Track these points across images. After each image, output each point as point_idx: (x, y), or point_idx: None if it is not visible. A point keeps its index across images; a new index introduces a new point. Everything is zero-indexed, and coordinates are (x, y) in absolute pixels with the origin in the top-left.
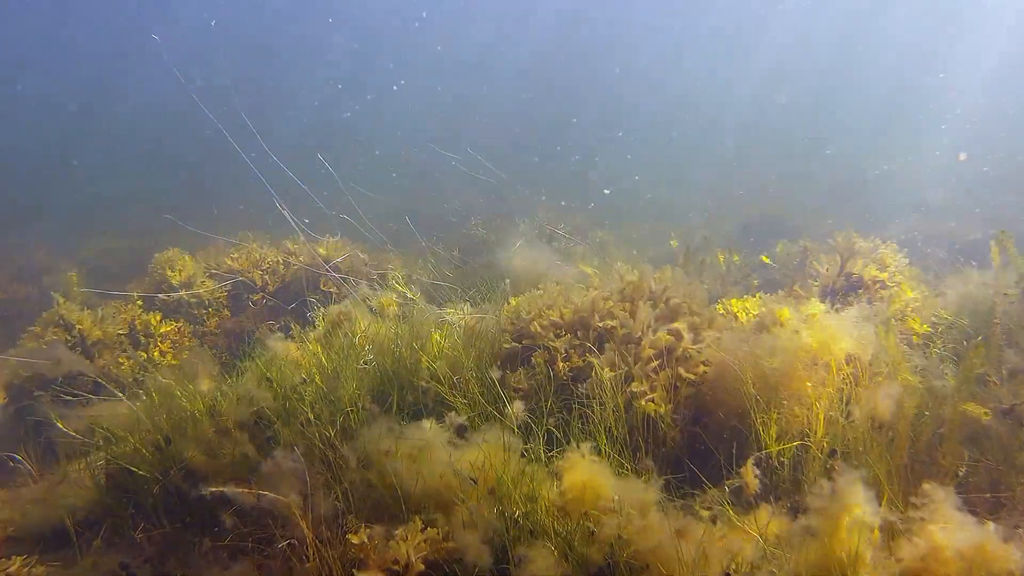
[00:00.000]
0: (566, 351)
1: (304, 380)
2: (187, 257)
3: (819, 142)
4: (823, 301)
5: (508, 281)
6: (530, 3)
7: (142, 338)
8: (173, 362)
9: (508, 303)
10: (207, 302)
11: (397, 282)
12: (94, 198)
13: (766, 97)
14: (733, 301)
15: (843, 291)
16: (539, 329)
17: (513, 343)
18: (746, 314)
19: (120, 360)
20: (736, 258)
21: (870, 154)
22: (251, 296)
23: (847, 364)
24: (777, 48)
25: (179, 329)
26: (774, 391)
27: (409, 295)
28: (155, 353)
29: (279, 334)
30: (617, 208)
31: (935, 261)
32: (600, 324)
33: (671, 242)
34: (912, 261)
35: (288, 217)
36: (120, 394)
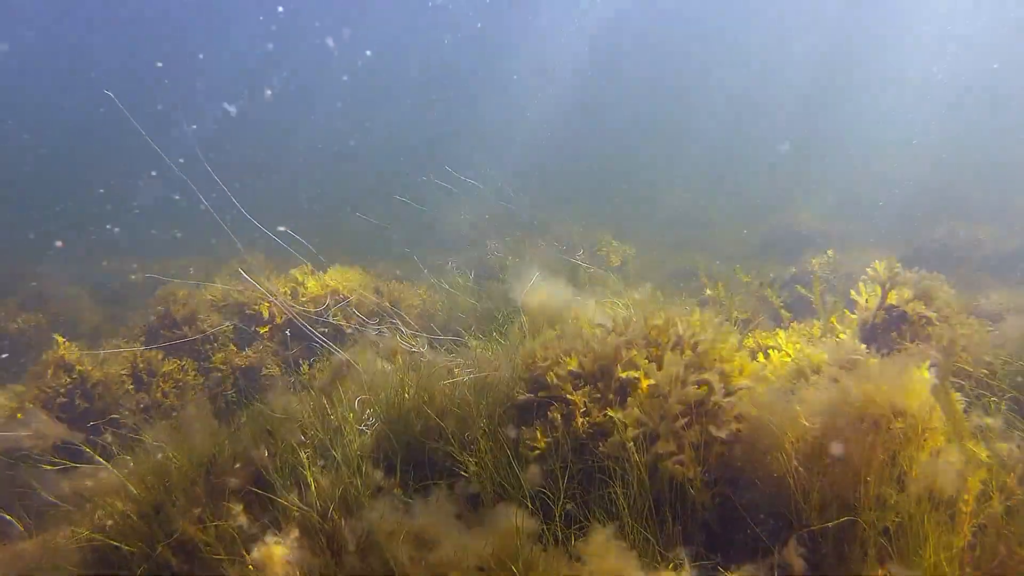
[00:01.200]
0: (585, 405)
1: (303, 440)
2: (191, 291)
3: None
4: (863, 337)
5: (524, 318)
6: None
7: (144, 377)
8: (175, 403)
9: (523, 345)
10: (212, 337)
11: (406, 326)
12: (113, 217)
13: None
14: (765, 337)
15: (884, 326)
16: (556, 380)
17: (528, 394)
18: (779, 353)
19: (121, 402)
20: (768, 290)
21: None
22: (258, 329)
23: (897, 419)
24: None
25: (183, 367)
26: (816, 454)
27: (416, 348)
28: (157, 394)
29: (283, 376)
30: (641, 217)
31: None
32: (623, 375)
33: (696, 260)
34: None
35: (281, 247)
36: (104, 462)
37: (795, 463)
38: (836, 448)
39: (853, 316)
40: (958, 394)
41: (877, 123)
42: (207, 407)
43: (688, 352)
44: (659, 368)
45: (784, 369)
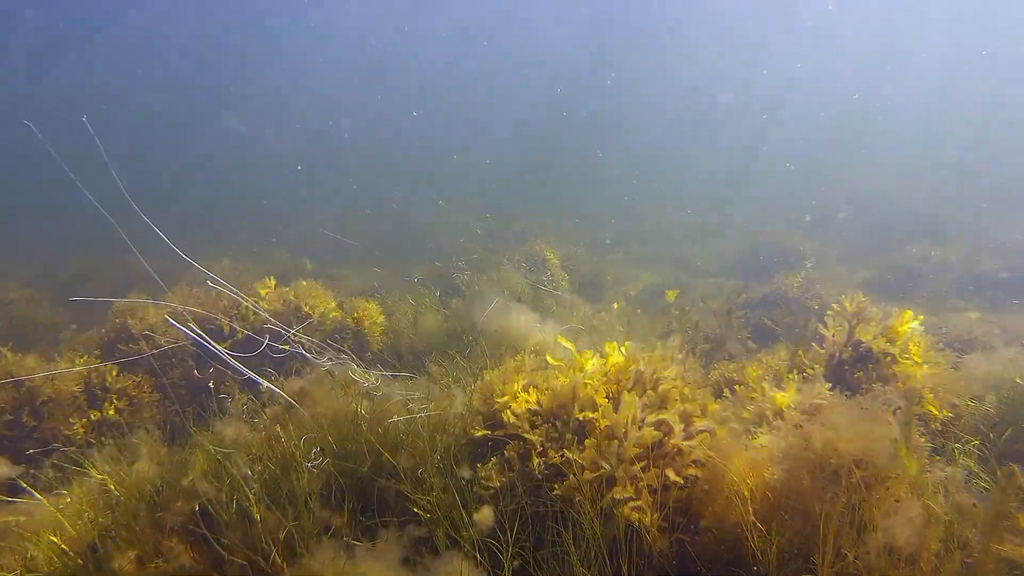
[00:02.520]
0: (542, 445)
1: (248, 476)
2: (149, 305)
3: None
4: (830, 374)
5: (482, 348)
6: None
7: (99, 393)
8: (130, 420)
9: (482, 377)
10: (170, 352)
11: (369, 346)
12: (83, 211)
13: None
14: (731, 369)
15: (851, 362)
16: (513, 418)
17: (485, 429)
18: (742, 389)
19: (72, 420)
20: (735, 321)
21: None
22: (217, 344)
23: (858, 469)
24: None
25: (138, 383)
26: (775, 505)
27: (371, 380)
28: (110, 411)
29: (240, 394)
30: (618, 230)
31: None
32: (580, 415)
33: (668, 295)
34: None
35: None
36: (40, 497)
37: (752, 516)
38: (795, 500)
39: (821, 351)
40: (924, 438)
41: (854, 140)
42: (156, 434)
43: (649, 391)
44: (617, 408)
45: (748, 411)
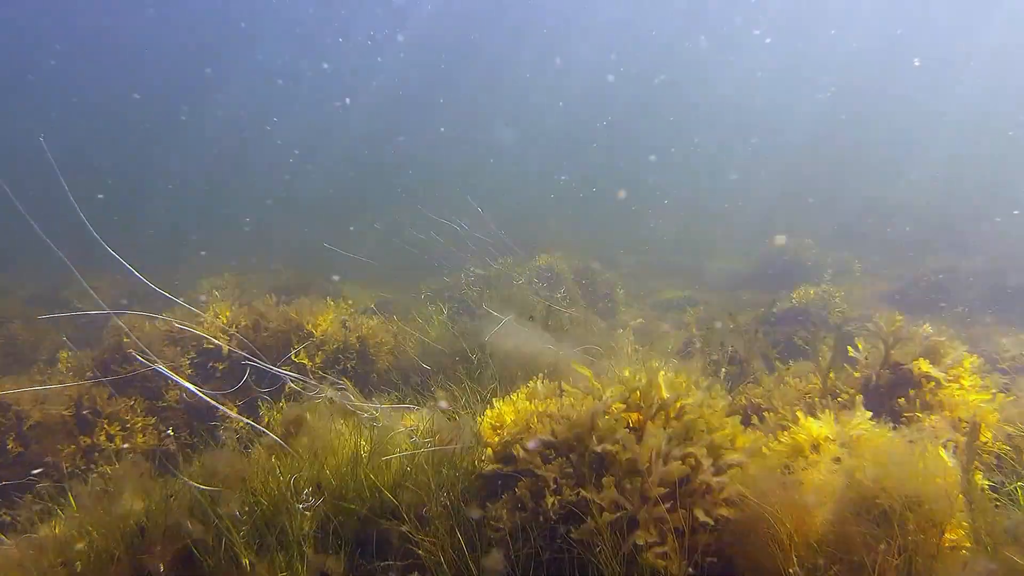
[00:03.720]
0: (556, 482)
1: (237, 517)
2: (145, 323)
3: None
4: (865, 400)
5: (492, 374)
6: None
7: (90, 417)
8: (121, 446)
9: (491, 406)
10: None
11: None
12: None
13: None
14: (757, 393)
15: (889, 387)
16: (524, 453)
17: (495, 464)
18: (772, 416)
19: (60, 447)
20: (760, 338)
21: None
22: (216, 365)
23: (909, 511)
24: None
25: (131, 407)
26: (817, 552)
27: (370, 411)
28: (101, 437)
29: (239, 416)
30: (629, 241)
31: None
32: (599, 448)
33: (687, 317)
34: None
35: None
36: (5, 538)
37: (795, 566)
38: (841, 547)
39: (855, 374)
40: (979, 474)
41: (873, 149)
42: (143, 465)
43: (673, 420)
44: (639, 439)
45: (781, 445)
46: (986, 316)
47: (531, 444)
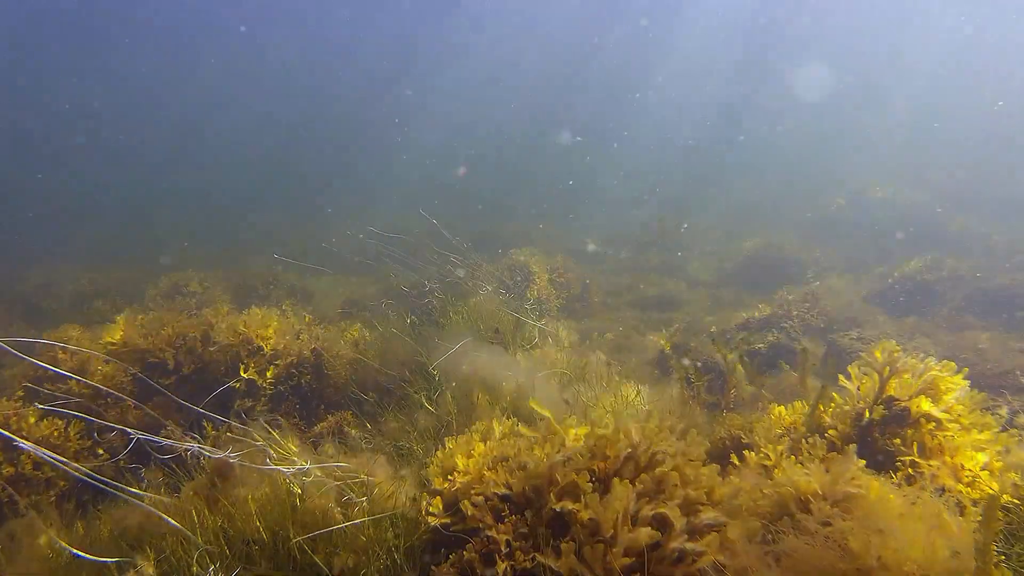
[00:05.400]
0: (509, 544)
1: None
2: (85, 341)
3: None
4: (857, 437)
5: (448, 400)
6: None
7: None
8: (50, 475)
9: (441, 448)
10: (104, 392)
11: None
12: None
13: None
14: (738, 424)
15: (882, 424)
16: (473, 510)
17: (444, 517)
18: (756, 455)
19: None
20: (740, 366)
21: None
22: (161, 381)
23: None
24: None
25: (63, 431)
26: None
27: (302, 463)
28: (27, 466)
29: (182, 436)
30: (604, 232)
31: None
32: (558, 506)
33: (660, 340)
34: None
35: None
36: None
37: None
38: None
39: (845, 407)
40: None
41: (852, 138)
42: (53, 517)
43: (643, 473)
44: (605, 492)
45: (764, 497)
46: (969, 317)
47: (479, 501)
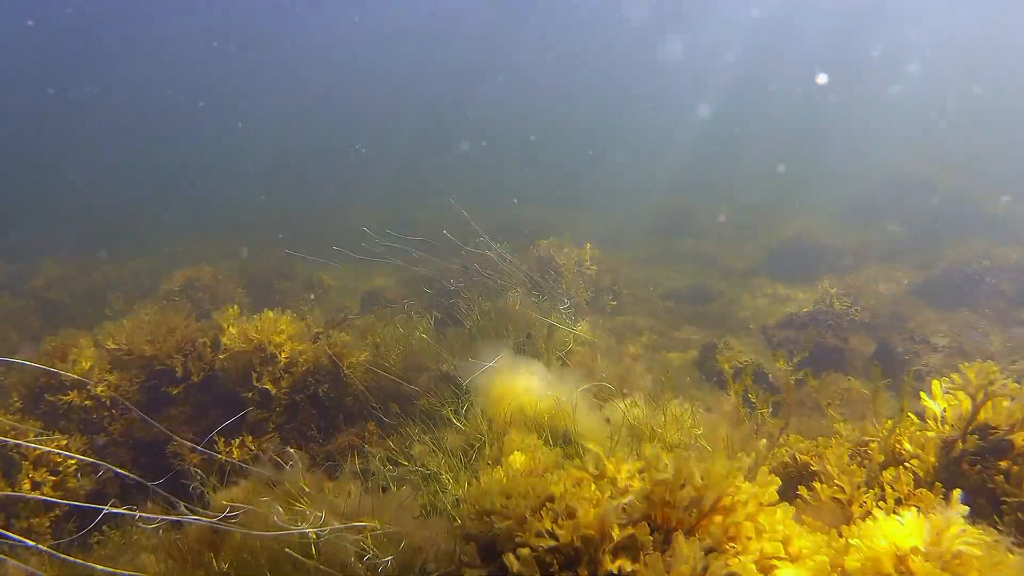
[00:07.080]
0: None
1: None
2: (89, 348)
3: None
4: (943, 469)
5: (479, 416)
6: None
7: (16, 458)
8: (51, 495)
9: (475, 479)
10: (108, 403)
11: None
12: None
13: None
14: (802, 448)
15: (974, 456)
16: (519, 566)
17: (479, 568)
18: (828, 489)
19: None
20: (782, 364)
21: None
22: (169, 390)
23: None
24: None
25: (65, 447)
26: None
27: (317, 514)
28: (25, 485)
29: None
30: (626, 219)
31: None
32: (612, 566)
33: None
34: None
35: None
36: None
37: None
38: None
39: (929, 433)
40: None
41: (887, 116)
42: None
43: (709, 518)
44: (664, 544)
45: (853, 551)
46: (1022, 313)
47: (524, 552)
